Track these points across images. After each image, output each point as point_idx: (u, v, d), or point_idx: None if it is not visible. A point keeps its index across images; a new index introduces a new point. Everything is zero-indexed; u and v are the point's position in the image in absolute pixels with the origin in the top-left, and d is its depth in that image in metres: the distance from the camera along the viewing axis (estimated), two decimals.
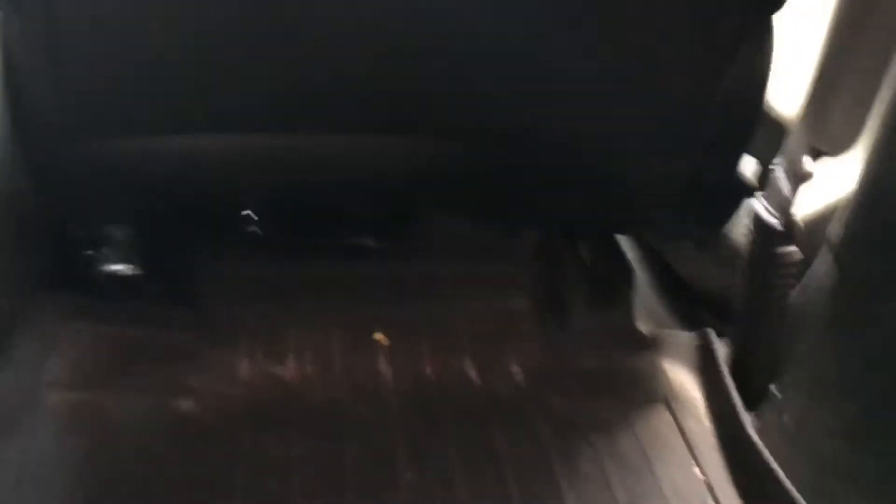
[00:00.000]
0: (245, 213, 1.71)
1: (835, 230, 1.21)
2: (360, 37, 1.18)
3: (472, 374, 1.50)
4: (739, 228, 1.41)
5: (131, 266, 1.55)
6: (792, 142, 1.26)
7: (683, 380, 1.49)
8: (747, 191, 1.35)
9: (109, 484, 1.21)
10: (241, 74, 1.21)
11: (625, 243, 1.80)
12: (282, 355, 1.50)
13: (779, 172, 1.29)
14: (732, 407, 1.36)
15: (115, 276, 1.55)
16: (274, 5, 1.15)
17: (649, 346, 1.56)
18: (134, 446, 1.27)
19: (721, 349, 1.48)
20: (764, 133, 1.35)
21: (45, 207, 1.41)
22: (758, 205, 1.34)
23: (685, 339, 1.56)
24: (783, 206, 1.29)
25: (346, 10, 1.16)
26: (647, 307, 1.88)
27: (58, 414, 1.30)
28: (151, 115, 1.24)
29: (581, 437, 1.37)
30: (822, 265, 1.33)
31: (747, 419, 1.33)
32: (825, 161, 1.43)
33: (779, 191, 1.29)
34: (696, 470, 1.32)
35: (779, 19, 1.25)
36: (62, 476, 1.21)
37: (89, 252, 1.55)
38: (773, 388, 1.38)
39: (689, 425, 1.40)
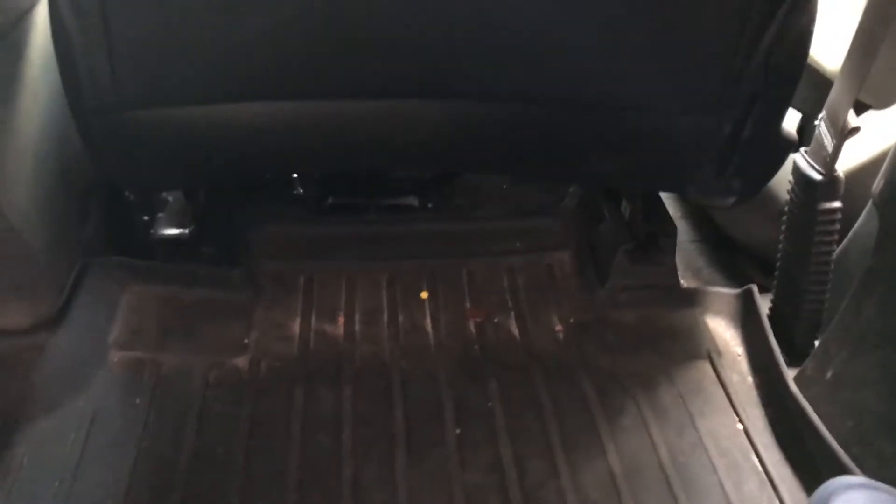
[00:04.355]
0: (293, 176, 1.75)
1: (878, 184, 1.20)
2: (399, 3, 1.19)
3: (515, 330, 1.53)
4: (783, 184, 1.40)
5: (186, 230, 1.60)
6: (835, 95, 1.25)
7: (726, 335, 1.50)
8: (791, 146, 1.34)
9: (169, 438, 1.27)
10: (287, 44, 1.23)
11: (667, 199, 1.80)
12: (332, 314, 1.54)
13: (822, 127, 1.28)
14: (774, 362, 1.37)
15: (170, 240, 1.60)
16: None
17: (692, 301, 1.56)
18: (192, 402, 1.33)
19: (763, 305, 1.48)
20: (807, 87, 1.33)
21: (102, 176, 1.46)
22: (801, 160, 1.33)
23: (728, 294, 1.56)
24: (826, 161, 1.28)
25: None
26: (689, 263, 1.89)
27: (120, 372, 1.37)
28: (202, 85, 1.27)
29: (623, 392, 1.39)
30: (866, 219, 1.33)
31: (789, 374, 1.34)
32: (869, 114, 1.42)
33: (822, 145, 1.27)
34: (738, 424, 1.33)
35: None
36: (126, 430, 1.27)
37: (145, 218, 1.61)
38: (815, 342, 1.39)
39: (732, 380, 1.41)
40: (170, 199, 1.62)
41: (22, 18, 1.25)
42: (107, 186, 1.53)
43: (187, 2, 1.16)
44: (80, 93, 1.23)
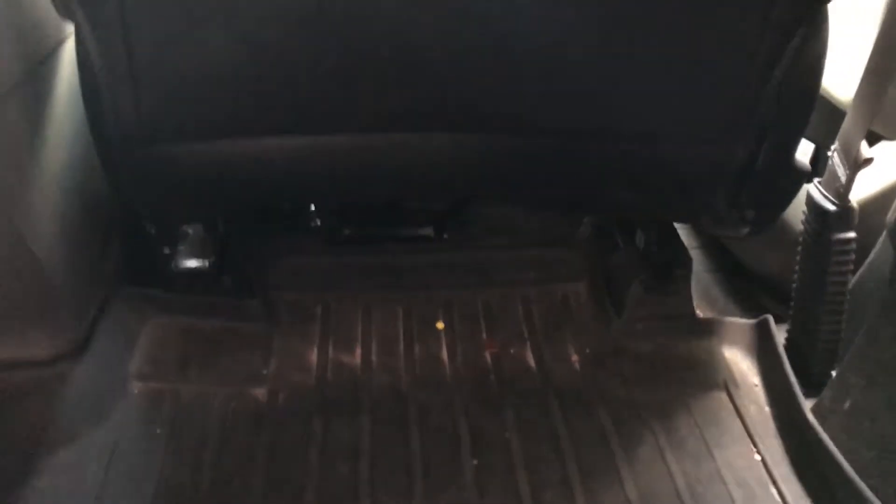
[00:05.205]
0: (310, 208, 1.77)
1: (893, 215, 1.20)
2: (413, 38, 1.21)
3: (531, 360, 1.53)
4: (797, 213, 1.41)
5: (206, 262, 1.62)
6: (848, 126, 1.25)
7: (742, 365, 1.50)
8: (804, 176, 1.35)
9: (189, 467, 1.28)
10: (303, 81, 1.25)
11: (682, 229, 1.81)
12: (349, 344, 1.55)
13: (835, 157, 1.28)
14: (791, 392, 1.36)
15: (190, 272, 1.62)
16: (329, 19, 1.19)
17: (707, 331, 1.56)
18: (212, 432, 1.34)
19: (779, 335, 1.48)
20: (820, 117, 1.34)
21: (124, 208, 1.49)
22: (814, 190, 1.33)
23: (743, 324, 1.56)
24: (840, 192, 1.28)
25: (398, 16, 1.19)
26: (704, 293, 1.89)
27: (141, 403, 1.38)
28: (222, 120, 1.29)
29: (640, 422, 1.39)
30: (881, 249, 1.33)
31: (806, 404, 1.33)
32: (882, 145, 1.42)
33: (835, 176, 1.28)
34: (756, 454, 1.33)
35: (834, 3, 1.24)
36: (147, 460, 1.28)
37: (166, 250, 1.63)
38: (832, 372, 1.38)
39: (749, 410, 1.40)
40: (190, 231, 1.64)
41: (49, 55, 1.28)
42: (129, 219, 1.55)
43: (210, 40, 1.19)
44: (105, 127, 1.26)
